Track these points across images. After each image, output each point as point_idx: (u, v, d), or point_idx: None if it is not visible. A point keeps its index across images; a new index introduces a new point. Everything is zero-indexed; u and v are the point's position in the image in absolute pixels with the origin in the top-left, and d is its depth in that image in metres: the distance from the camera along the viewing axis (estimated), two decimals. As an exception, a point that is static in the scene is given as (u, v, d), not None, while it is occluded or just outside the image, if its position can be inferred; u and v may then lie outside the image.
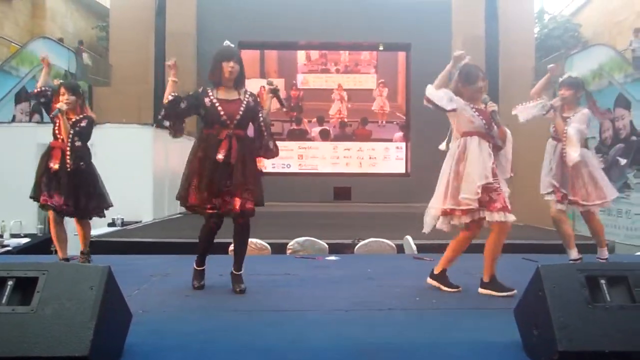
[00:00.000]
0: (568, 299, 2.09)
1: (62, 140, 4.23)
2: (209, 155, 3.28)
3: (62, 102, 4.20)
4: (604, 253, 4.44)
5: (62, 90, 4.28)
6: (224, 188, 3.27)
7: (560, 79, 4.40)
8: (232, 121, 3.33)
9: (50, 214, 4.25)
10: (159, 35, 14.37)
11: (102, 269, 1.97)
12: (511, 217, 3.31)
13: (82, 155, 4.30)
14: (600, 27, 16.11)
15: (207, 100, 3.38)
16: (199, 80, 15.01)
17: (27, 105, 12.03)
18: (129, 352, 2.15)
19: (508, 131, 3.52)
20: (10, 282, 1.91)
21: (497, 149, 3.49)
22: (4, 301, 1.88)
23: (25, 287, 1.92)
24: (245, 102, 3.40)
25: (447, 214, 3.44)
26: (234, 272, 3.51)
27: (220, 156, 3.26)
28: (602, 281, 2.15)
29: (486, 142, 3.44)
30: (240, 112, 3.36)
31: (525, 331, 2.26)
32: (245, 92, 3.47)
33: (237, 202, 3.25)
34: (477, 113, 3.48)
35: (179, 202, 3.51)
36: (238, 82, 3.43)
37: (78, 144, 4.26)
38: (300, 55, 16.43)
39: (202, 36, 15.39)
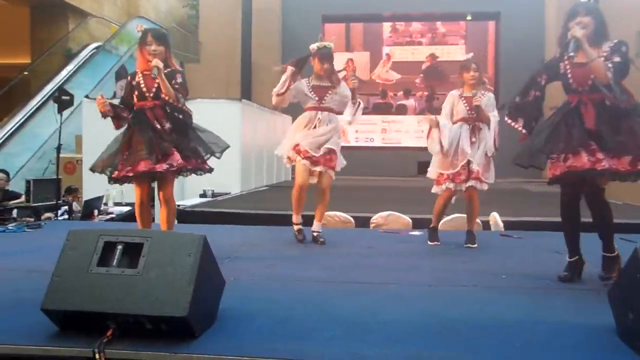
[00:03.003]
0: (668, 282, 1.97)
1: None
2: None
3: (151, 55, 3.55)
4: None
5: (149, 38, 3.58)
6: None
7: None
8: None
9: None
10: (246, 12, 14.71)
11: (198, 238, 2.12)
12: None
13: None
14: None
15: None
16: (284, 55, 15.26)
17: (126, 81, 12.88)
18: (223, 315, 2.30)
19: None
20: (119, 247, 2.11)
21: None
22: (114, 263, 2.08)
23: (132, 252, 2.10)
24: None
25: None
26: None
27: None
28: None
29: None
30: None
31: (620, 315, 2.17)
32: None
33: None
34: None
35: None
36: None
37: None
38: (386, 27, 16.15)
39: (286, 12, 15.56)
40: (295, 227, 4.38)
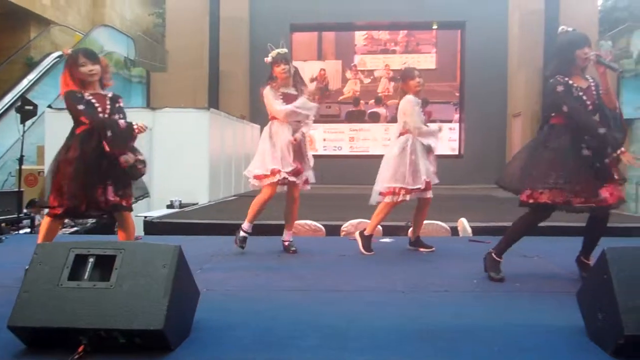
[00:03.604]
0: (634, 282, 2.04)
1: None
2: None
3: (89, 75, 3.25)
4: None
5: (82, 59, 3.26)
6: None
7: None
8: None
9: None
10: (213, 20, 14.65)
11: (173, 248, 2.08)
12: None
13: None
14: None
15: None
16: (252, 64, 15.23)
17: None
18: (197, 327, 2.27)
19: None
20: (91, 260, 2.05)
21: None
22: (86, 277, 2.03)
23: (104, 265, 2.05)
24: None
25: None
26: None
27: None
28: (671, 265, 2.09)
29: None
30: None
31: (589, 315, 2.23)
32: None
33: None
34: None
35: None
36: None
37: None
38: (358, 36, 16.33)
39: (254, 21, 15.55)
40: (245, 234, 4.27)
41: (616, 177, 3.08)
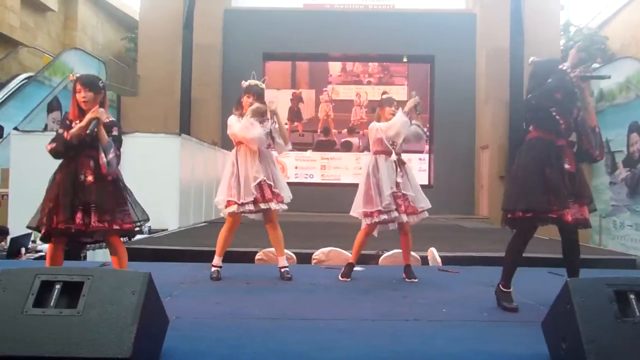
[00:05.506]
0: (597, 313, 2.10)
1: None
2: None
3: (82, 102, 3.37)
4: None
5: (78, 86, 3.40)
6: None
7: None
8: None
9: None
10: (186, 47, 14.67)
11: (143, 275, 2.06)
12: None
13: None
14: (627, 40, 15.92)
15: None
16: (224, 92, 15.29)
17: (59, 114, 12.37)
18: (166, 355, 2.23)
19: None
20: (57, 286, 2.01)
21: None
22: (52, 304, 1.98)
23: (71, 291, 2.01)
24: None
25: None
26: None
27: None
28: (632, 296, 2.16)
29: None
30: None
31: (553, 344, 2.28)
32: None
33: None
34: None
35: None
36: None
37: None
38: (332, 66, 16.59)
39: (227, 49, 15.67)
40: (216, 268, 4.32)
41: (584, 196, 3.19)
